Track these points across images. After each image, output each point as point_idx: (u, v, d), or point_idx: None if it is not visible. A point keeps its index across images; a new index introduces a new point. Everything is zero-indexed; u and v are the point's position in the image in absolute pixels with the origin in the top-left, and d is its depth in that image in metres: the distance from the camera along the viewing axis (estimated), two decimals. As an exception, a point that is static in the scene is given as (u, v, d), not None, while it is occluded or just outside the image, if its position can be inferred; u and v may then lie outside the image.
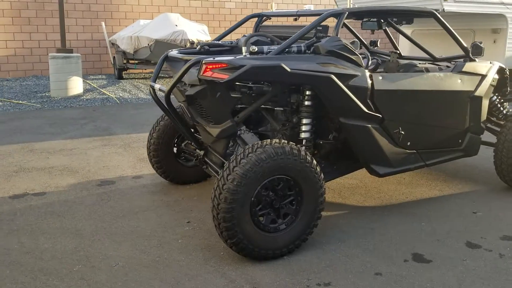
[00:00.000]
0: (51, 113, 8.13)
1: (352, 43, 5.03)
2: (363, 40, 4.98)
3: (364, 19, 4.43)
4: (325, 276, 2.95)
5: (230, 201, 2.91)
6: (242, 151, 3.03)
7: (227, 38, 6.90)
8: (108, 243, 3.36)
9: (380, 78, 3.56)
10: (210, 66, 3.14)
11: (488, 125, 4.74)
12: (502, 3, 8.43)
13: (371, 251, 3.28)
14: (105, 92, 10.19)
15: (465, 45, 4.09)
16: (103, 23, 13.03)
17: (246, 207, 2.98)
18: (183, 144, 4.41)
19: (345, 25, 4.87)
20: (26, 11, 13.01)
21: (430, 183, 4.64)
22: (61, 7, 9.43)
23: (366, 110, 3.48)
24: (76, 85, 9.69)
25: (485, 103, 4.16)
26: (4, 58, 13.03)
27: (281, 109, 3.62)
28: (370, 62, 4.66)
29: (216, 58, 3.17)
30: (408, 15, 4.18)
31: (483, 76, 4.10)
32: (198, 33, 10.64)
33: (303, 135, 3.54)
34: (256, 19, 4.48)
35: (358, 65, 3.43)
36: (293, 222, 3.19)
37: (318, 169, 3.19)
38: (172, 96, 3.55)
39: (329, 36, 3.46)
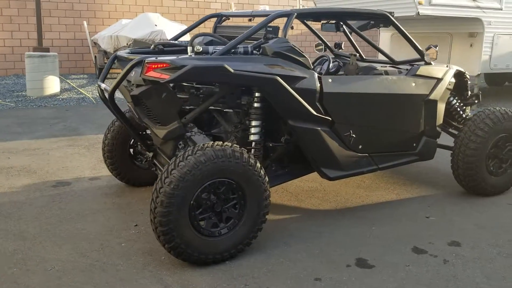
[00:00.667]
0: (23, 113, 8.04)
1: (317, 45, 4.99)
2: (327, 42, 4.94)
3: (323, 22, 4.40)
4: (264, 281, 2.91)
5: (167, 204, 2.85)
6: (182, 153, 2.97)
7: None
8: (49, 246, 3.29)
9: (330, 80, 3.51)
10: (153, 66, 3.09)
11: (450, 129, 4.72)
12: (478, 7, 8.43)
13: (316, 255, 3.24)
14: (82, 91, 10.10)
15: (421, 48, 4.06)
16: (85, 22, 12.93)
17: (184, 211, 2.92)
18: (139, 146, 4.34)
19: (308, 27, 4.84)
20: (7, 10, 12.88)
21: (389, 187, 4.60)
22: (38, 6, 9.36)
23: (315, 113, 3.44)
24: (52, 85, 9.60)
25: (441, 107, 4.13)
26: (2, 56, 12.90)
27: (231, 110, 3.57)
28: (331, 65, 4.63)
29: (159, 58, 3.12)
30: (360, 17, 4.13)
31: (439, 80, 4.07)
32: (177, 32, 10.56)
33: (252, 137, 3.48)
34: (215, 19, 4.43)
35: (306, 67, 3.39)
36: (236, 226, 3.13)
37: (262, 172, 3.14)
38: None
39: (276, 37, 3.42)
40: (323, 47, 4.96)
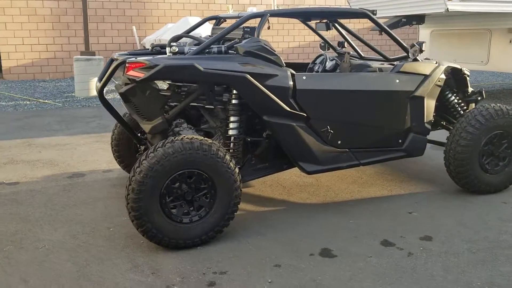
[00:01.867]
0: (67, 112, 8.70)
1: (321, 45, 5.10)
2: (329, 41, 5.04)
3: (316, 22, 4.52)
4: (226, 265, 3.10)
5: (137, 191, 3.13)
6: (154, 146, 3.24)
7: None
8: (46, 228, 3.68)
9: (304, 78, 3.65)
10: (132, 66, 3.38)
11: (450, 126, 4.67)
12: (515, 1, 8.09)
13: (284, 244, 3.39)
14: (125, 92, 10.71)
15: (406, 45, 4.07)
16: (134, 27, 13.64)
17: (155, 198, 3.18)
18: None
19: (310, 27, 4.96)
20: (65, 17, 13.87)
21: (384, 183, 4.63)
22: (85, 13, 10.06)
23: (289, 109, 3.59)
24: (97, 86, 10.27)
25: (430, 103, 4.12)
26: (45, 60, 13.97)
27: (212, 107, 3.79)
28: (329, 63, 4.74)
29: (138, 58, 3.41)
30: (338, 16, 4.18)
31: (426, 76, 4.06)
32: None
33: (230, 132, 3.69)
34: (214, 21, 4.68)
35: (279, 65, 3.55)
36: (207, 215, 3.35)
37: (232, 164, 3.34)
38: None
39: (249, 37, 3.60)
40: (326, 45, 5.08)
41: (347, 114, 3.83)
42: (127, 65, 3.41)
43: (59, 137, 6.70)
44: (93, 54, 10.27)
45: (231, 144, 3.69)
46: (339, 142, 3.84)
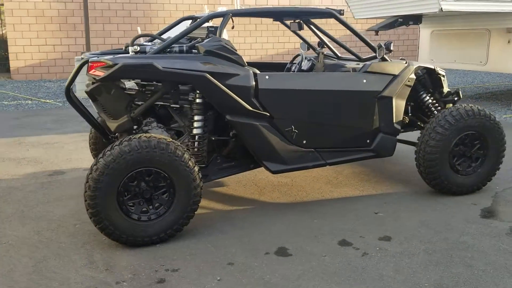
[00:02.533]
0: (65, 111, 8.85)
1: (301, 45, 5.10)
2: (308, 41, 5.03)
3: (291, 22, 4.52)
4: (179, 263, 3.14)
5: (93, 189, 3.18)
6: (112, 144, 3.29)
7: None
8: (15, 224, 3.76)
9: (267, 77, 3.66)
10: (94, 65, 3.44)
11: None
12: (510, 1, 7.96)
13: (243, 243, 3.41)
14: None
15: (373, 45, 4.05)
16: (139, 28, 13.76)
17: (111, 196, 3.22)
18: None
19: (288, 27, 4.96)
20: (72, 18, 14.10)
21: (358, 184, 4.62)
22: (86, 15, 10.22)
23: (251, 108, 3.61)
24: (98, 86, 10.42)
25: (399, 104, 4.09)
26: (52, 61, 14.22)
27: (178, 106, 3.82)
28: (305, 63, 4.74)
29: (100, 58, 3.47)
30: (302, 16, 4.17)
31: (395, 77, 4.04)
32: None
33: (195, 131, 3.72)
34: (190, 21, 4.72)
35: (240, 64, 3.57)
36: (166, 213, 3.39)
37: (191, 163, 3.37)
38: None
39: (211, 36, 3.63)
40: (306, 46, 5.08)
41: (312, 114, 3.83)
42: (89, 64, 3.47)
43: (50, 135, 6.83)
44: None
45: (196, 143, 3.72)
46: (304, 141, 3.84)
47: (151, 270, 3.06)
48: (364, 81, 3.95)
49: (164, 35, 4.65)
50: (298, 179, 4.77)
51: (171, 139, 3.38)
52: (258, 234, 3.55)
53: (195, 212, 3.47)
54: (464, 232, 3.53)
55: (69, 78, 3.67)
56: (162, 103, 3.85)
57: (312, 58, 4.89)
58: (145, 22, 14.90)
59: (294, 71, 4.83)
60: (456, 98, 4.61)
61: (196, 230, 3.62)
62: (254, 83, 3.60)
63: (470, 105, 4.15)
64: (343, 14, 4.05)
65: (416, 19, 8.80)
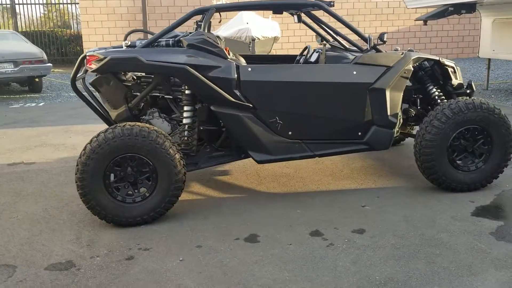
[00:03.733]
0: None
1: (316, 37, 5.10)
2: (321, 34, 5.01)
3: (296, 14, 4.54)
4: (153, 243, 3.35)
5: (81, 171, 3.48)
6: (99, 132, 3.58)
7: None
8: (30, 202, 4.19)
9: (249, 69, 3.75)
10: (91, 59, 3.75)
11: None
12: None
13: (220, 228, 3.55)
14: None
15: (366, 36, 3.97)
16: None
17: (98, 179, 3.50)
18: None
19: (304, 23, 4.99)
20: (139, 15, 14.91)
21: (361, 177, 4.56)
22: (144, 11, 10.77)
23: (233, 100, 3.72)
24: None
25: (394, 96, 3.98)
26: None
27: (171, 97, 4.03)
28: (313, 55, 4.75)
29: (96, 51, 3.76)
30: (289, 8, 4.14)
31: (388, 68, 3.93)
32: (266, 30, 11.11)
33: (184, 121, 3.92)
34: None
35: (222, 57, 3.69)
36: (149, 196, 3.62)
37: (172, 150, 3.56)
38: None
39: (194, 31, 3.78)
40: (320, 38, 5.08)
41: (296, 106, 3.86)
42: (87, 58, 3.78)
43: (96, 125, 7.37)
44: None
45: (185, 132, 3.91)
46: (290, 133, 3.89)
47: (126, 248, 3.31)
48: (354, 72, 3.90)
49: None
50: (302, 171, 4.81)
51: (154, 128, 3.60)
52: (238, 221, 3.68)
53: (190, 198, 3.66)
54: (444, 229, 3.41)
55: (73, 71, 4.01)
56: (158, 94, 4.09)
57: (320, 50, 4.86)
58: (196, 18, 15.34)
59: (300, 63, 4.85)
60: (468, 91, 4.39)
61: (182, 214, 3.82)
62: (236, 75, 3.71)
63: (473, 98, 3.95)
64: (332, 6, 4.02)
65: (469, 7, 8.32)
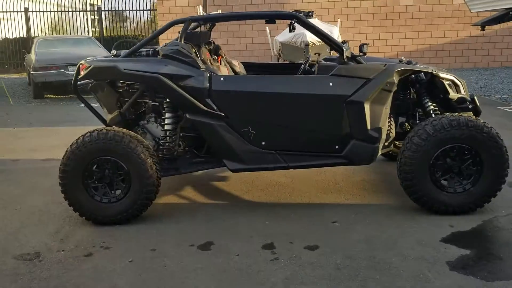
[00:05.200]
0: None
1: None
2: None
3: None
4: (116, 243, 3.55)
5: (62, 171, 3.79)
6: (81, 135, 3.86)
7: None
8: (38, 195, 4.61)
9: (222, 79, 3.81)
10: (83, 67, 4.06)
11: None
12: None
13: (183, 233, 3.67)
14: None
15: (341, 45, 3.83)
16: (267, 28, 14.44)
17: (77, 178, 3.79)
18: None
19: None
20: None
21: (349, 192, 4.41)
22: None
23: (205, 108, 3.81)
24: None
25: (376, 110, 3.79)
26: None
27: (157, 103, 4.20)
28: (308, 64, 4.68)
29: (87, 60, 4.06)
30: (264, 18, 4.08)
31: (368, 80, 3.76)
32: (322, 34, 10.96)
33: (166, 127, 4.09)
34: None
35: (195, 67, 3.80)
36: (123, 198, 3.84)
37: (144, 155, 3.75)
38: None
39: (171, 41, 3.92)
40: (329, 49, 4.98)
41: (269, 116, 3.84)
42: (80, 66, 4.10)
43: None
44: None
45: (167, 138, 4.08)
46: (263, 143, 3.89)
47: (90, 245, 3.55)
48: (331, 84, 3.79)
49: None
50: (298, 181, 4.75)
51: (129, 133, 3.81)
52: (204, 228, 3.76)
53: (174, 201, 3.81)
54: (401, 253, 3.22)
55: (73, 77, 4.35)
56: (147, 100, 4.30)
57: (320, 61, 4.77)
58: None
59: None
60: (470, 106, 4.07)
61: (157, 217, 3.98)
62: (208, 84, 3.79)
63: (460, 114, 3.66)
64: (312, 16, 3.93)
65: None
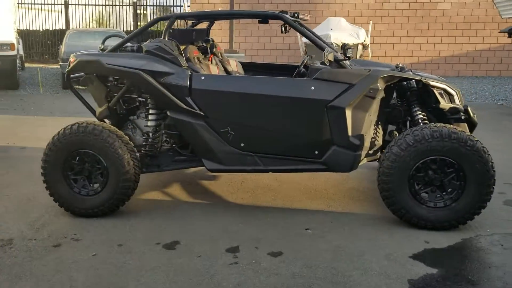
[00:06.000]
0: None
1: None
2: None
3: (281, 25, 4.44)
4: (86, 235, 3.59)
5: (43, 164, 3.87)
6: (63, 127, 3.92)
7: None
8: (34, 183, 4.72)
9: (202, 78, 3.78)
10: (72, 61, 4.13)
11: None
12: None
13: (154, 231, 3.67)
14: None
15: (324, 47, 3.71)
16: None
17: (57, 170, 3.85)
18: None
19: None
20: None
21: (334, 199, 4.29)
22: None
23: (185, 107, 3.79)
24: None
25: (358, 116, 3.65)
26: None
27: (143, 99, 4.20)
28: (303, 66, 4.59)
29: (76, 54, 4.12)
30: (248, 18, 3.99)
31: (350, 86, 3.63)
32: (347, 36, 10.77)
33: (149, 123, 4.09)
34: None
35: (176, 64, 3.78)
36: (101, 191, 3.87)
37: (120, 150, 3.77)
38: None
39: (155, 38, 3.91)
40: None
41: (249, 118, 3.77)
42: (70, 60, 4.17)
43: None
44: (235, 52, 11.37)
45: (150, 134, 4.09)
46: (242, 144, 3.83)
47: (62, 236, 3.60)
48: (312, 88, 3.69)
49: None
50: (288, 185, 4.67)
51: (109, 127, 3.84)
52: (177, 227, 3.74)
53: (159, 198, 3.85)
54: (364, 267, 3.09)
55: (66, 71, 4.43)
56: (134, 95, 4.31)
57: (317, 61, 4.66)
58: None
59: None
60: (464, 117, 3.87)
61: (136, 213, 4.01)
62: (188, 82, 3.77)
63: (443, 125, 3.48)
64: (297, 17, 3.83)
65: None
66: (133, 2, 17.45)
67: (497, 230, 3.61)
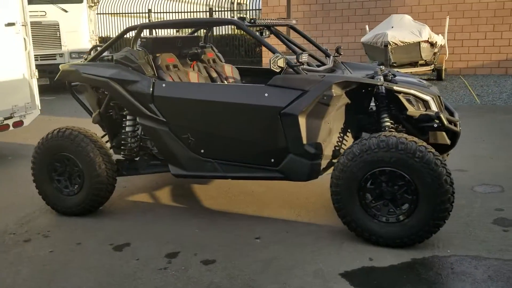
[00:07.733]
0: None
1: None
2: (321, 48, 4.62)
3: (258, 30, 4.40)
4: (56, 232, 3.89)
5: (32, 165, 4.25)
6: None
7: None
8: (43, 182, 5.20)
9: (163, 85, 3.87)
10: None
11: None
12: None
13: (115, 232, 3.86)
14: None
15: (298, 51, 3.59)
16: (366, 26, 13.79)
17: (43, 171, 4.21)
18: None
19: (305, 37, 4.76)
20: (315, 19, 15.25)
21: (308, 207, 4.15)
22: (288, 14, 11.16)
23: (149, 113, 3.92)
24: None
25: (312, 124, 3.49)
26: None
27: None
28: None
29: (62, 64, 4.45)
30: (208, 25, 3.92)
31: (304, 92, 3.47)
32: (407, 34, 10.12)
33: (126, 129, 4.29)
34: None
35: (141, 72, 3.92)
36: (78, 193, 4.15)
37: (92, 154, 4.01)
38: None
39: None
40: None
41: (206, 124, 3.78)
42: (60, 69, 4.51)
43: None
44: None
45: (128, 139, 4.29)
46: (202, 151, 3.86)
47: (36, 232, 3.94)
48: (266, 94, 3.60)
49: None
50: (271, 191, 4.60)
51: (86, 132, 4.10)
52: (139, 229, 3.89)
53: (141, 199, 4.15)
54: (284, 281, 2.97)
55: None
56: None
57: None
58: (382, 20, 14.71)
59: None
60: (436, 125, 3.53)
61: (110, 213, 4.24)
62: (151, 89, 3.89)
63: (394, 134, 3.21)
64: (253, 23, 3.73)
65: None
66: (209, 8, 18.04)
67: (459, 252, 3.24)
